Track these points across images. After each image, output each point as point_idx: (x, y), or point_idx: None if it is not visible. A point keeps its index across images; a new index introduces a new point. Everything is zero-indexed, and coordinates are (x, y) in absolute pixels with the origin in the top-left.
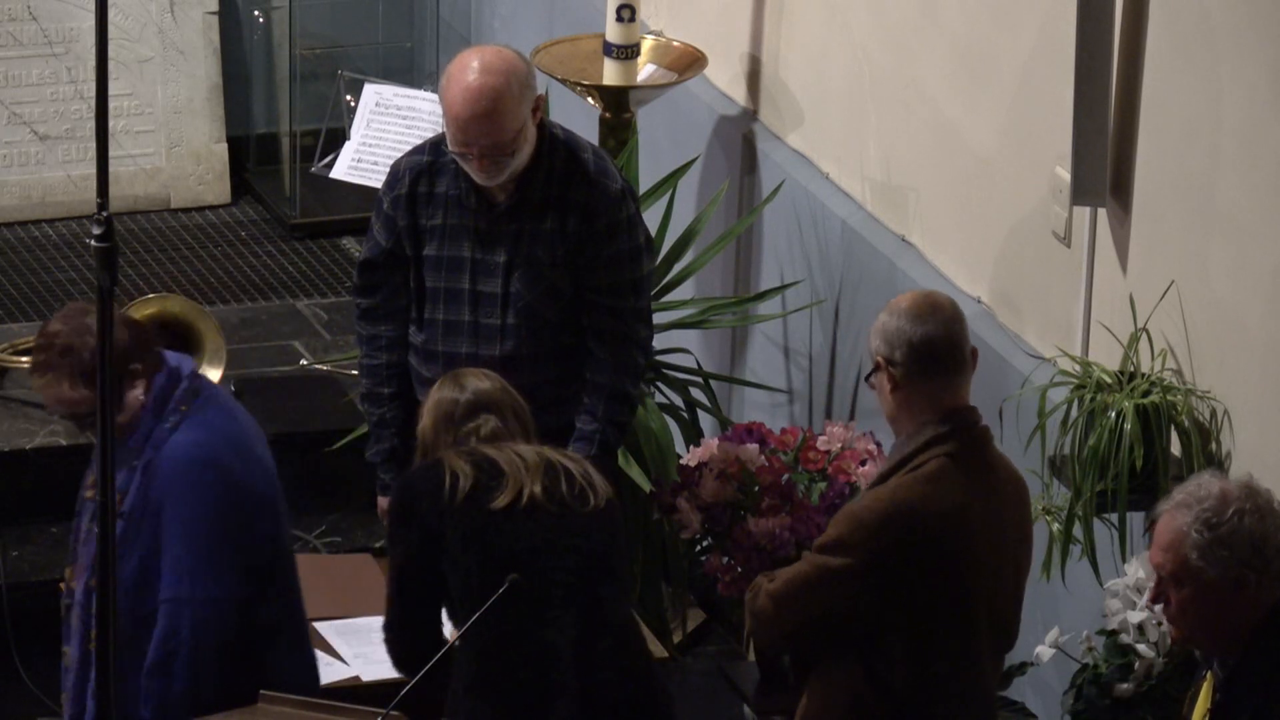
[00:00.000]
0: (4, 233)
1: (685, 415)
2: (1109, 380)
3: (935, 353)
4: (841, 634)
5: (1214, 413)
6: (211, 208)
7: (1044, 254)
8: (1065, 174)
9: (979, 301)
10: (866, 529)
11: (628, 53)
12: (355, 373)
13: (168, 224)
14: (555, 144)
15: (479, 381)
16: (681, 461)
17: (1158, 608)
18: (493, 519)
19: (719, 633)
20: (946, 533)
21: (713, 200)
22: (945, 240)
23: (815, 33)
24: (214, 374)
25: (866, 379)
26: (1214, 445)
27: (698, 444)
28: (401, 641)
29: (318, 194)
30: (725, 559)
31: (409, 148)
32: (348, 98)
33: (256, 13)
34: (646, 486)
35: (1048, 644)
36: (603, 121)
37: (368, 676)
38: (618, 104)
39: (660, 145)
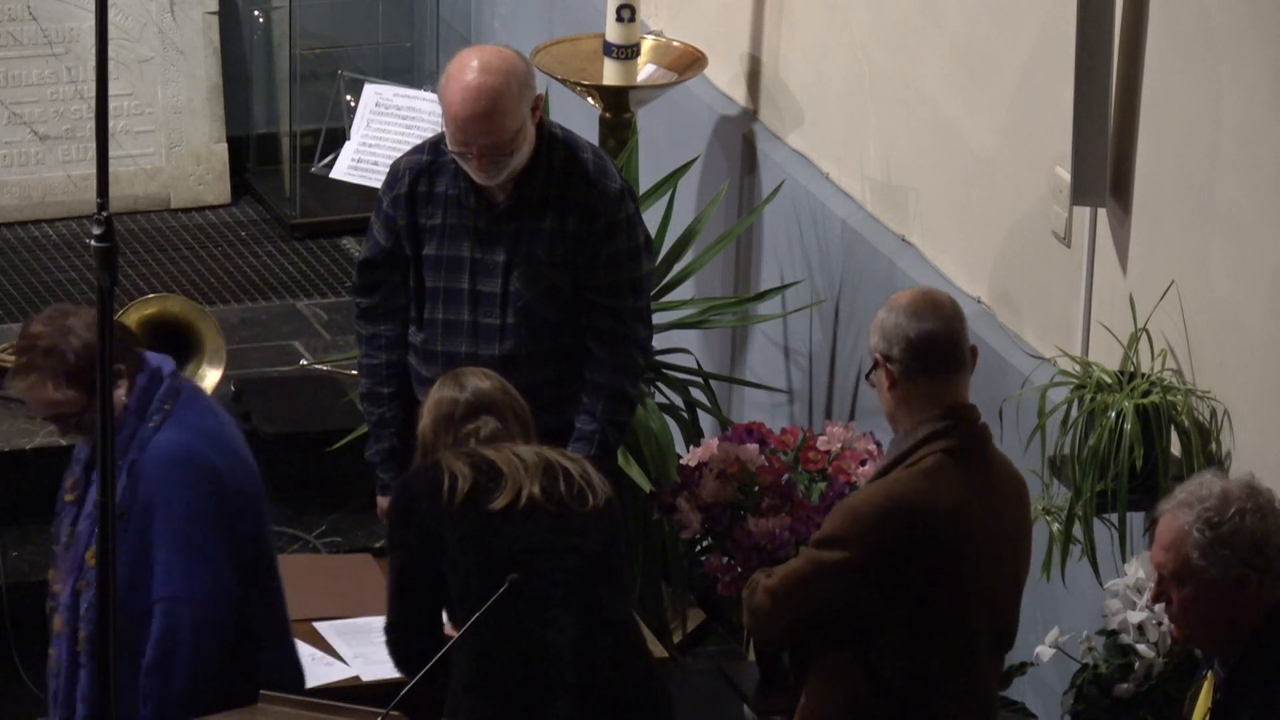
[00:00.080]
0: (4, 233)
1: (685, 415)
2: (1109, 380)
3: (933, 350)
4: (838, 630)
5: (1214, 413)
6: (211, 208)
7: (1044, 254)
8: (1065, 174)
9: (979, 301)
10: (862, 523)
11: (628, 53)
12: (355, 373)
13: (168, 224)
14: (555, 144)
15: (479, 381)
16: (681, 461)
17: (1158, 607)
18: (491, 520)
19: (719, 633)
20: (943, 528)
21: (713, 200)
22: (945, 240)
23: (815, 33)
24: (214, 374)
25: (866, 377)
26: (1214, 445)
27: (698, 444)
28: (403, 642)
29: (318, 194)
30: (725, 559)
31: (409, 148)
32: (348, 98)
33: (256, 13)
34: (646, 486)
35: (1048, 644)
36: (603, 121)
37: (368, 676)
38: (618, 104)
39: (660, 145)
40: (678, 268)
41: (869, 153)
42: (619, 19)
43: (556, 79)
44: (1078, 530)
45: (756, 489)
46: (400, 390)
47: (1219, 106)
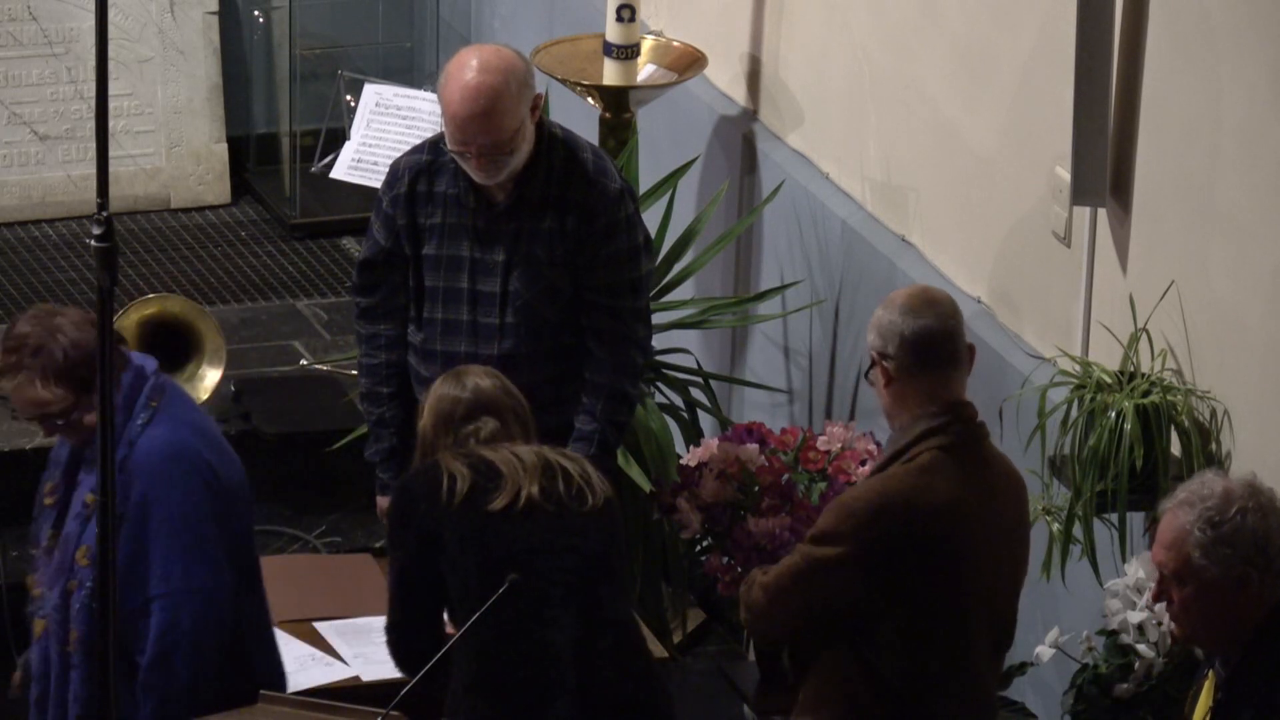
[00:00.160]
0: (4, 233)
1: (685, 415)
2: (1109, 380)
3: (930, 346)
4: (836, 628)
5: (1214, 413)
6: (211, 208)
7: (1044, 254)
8: (1065, 174)
9: (979, 301)
10: (856, 519)
11: (628, 53)
12: (355, 373)
13: (168, 224)
14: (554, 143)
15: (480, 380)
16: (681, 461)
17: (1158, 607)
18: (490, 520)
19: (719, 633)
20: (938, 525)
21: (713, 200)
22: (945, 240)
23: (815, 33)
24: (214, 374)
25: (865, 375)
26: (1214, 445)
27: (698, 444)
28: (403, 642)
29: (318, 194)
30: (725, 559)
31: (409, 148)
32: (348, 98)
33: (256, 13)
34: (646, 486)
35: (1048, 644)
36: (603, 121)
37: (368, 676)
38: (618, 104)
39: (660, 145)
40: (678, 268)
41: (869, 153)
42: (619, 19)
43: (556, 79)
44: (1078, 530)
45: (756, 489)
46: (400, 390)
47: (1219, 106)
